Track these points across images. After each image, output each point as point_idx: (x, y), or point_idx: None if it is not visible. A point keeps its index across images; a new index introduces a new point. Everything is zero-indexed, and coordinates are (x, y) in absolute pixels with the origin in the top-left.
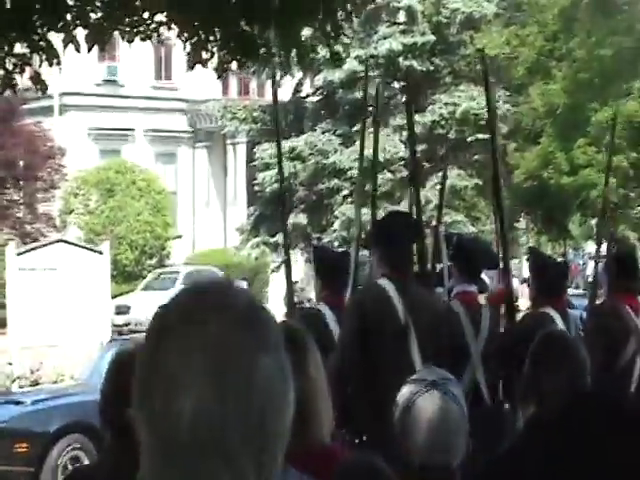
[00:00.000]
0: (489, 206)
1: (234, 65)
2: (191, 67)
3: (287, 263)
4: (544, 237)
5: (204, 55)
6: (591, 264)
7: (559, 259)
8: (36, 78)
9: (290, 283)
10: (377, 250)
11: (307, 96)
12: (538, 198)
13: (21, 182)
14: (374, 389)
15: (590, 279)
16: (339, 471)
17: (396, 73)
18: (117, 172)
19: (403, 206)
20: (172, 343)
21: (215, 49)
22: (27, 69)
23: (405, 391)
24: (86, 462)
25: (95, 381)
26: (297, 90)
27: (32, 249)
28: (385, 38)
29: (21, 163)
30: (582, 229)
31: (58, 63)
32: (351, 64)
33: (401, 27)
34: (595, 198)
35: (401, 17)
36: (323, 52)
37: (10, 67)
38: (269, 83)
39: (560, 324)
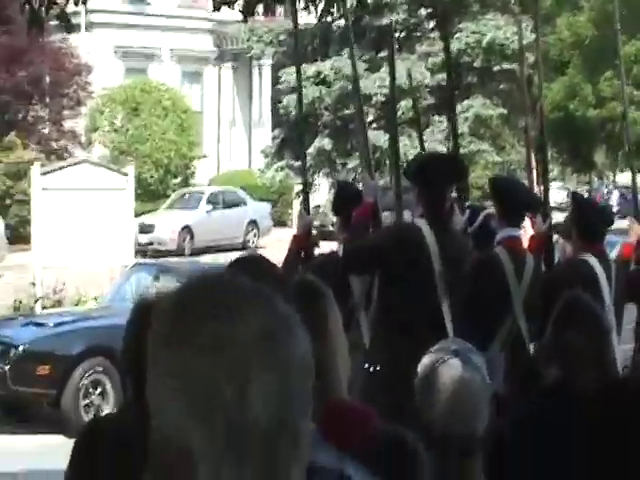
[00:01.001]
0: (514, 135)
1: (260, 7)
2: (218, 8)
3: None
4: (569, 167)
5: None
6: (616, 193)
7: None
8: (62, 16)
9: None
10: (416, 189)
11: (333, 20)
12: (564, 129)
13: (47, 99)
14: (395, 325)
15: (615, 208)
16: (373, 447)
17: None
18: (142, 91)
19: (428, 133)
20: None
21: None
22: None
23: (426, 360)
24: (108, 385)
25: (117, 305)
26: (323, 14)
27: (57, 169)
28: None
29: (47, 79)
30: (607, 159)
31: (84, 2)
32: None
33: None
34: (621, 130)
35: None
36: None
37: (36, 5)
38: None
39: (599, 271)
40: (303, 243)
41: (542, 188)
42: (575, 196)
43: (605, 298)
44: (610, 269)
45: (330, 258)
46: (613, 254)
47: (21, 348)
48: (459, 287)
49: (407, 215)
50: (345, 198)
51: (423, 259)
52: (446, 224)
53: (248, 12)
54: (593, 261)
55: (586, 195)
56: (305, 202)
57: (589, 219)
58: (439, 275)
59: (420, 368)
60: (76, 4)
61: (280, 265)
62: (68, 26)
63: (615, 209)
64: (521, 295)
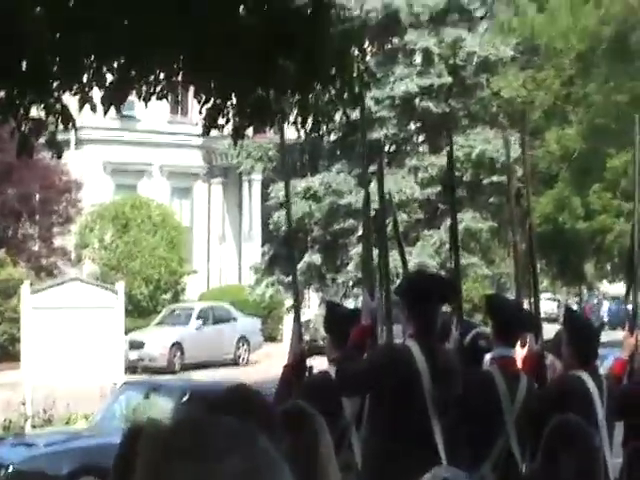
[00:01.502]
0: (504, 248)
1: (250, 132)
2: (207, 132)
3: (296, 313)
4: (559, 279)
5: (220, 120)
6: (605, 304)
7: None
8: (52, 141)
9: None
10: (406, 308)
11: (323, 135)
12: (553, 242)
13: (37, 216)
14: (384, 450)
15: (605, 319)
16: None
17: (412, 114)
18: (133, 207)
19: (418, 247)
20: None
21: (231, 114)
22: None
23: None
24: None
25: (107, 424)
26: (312, 130)
27: (47, 287)
28: (402, 79)
29: (37, 197)
30: (596, 270)
31: (73, 126)
32: (367, 104)
33: (418, 69)
34: (610, 243)
35: (418, 59)
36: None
37: (26, 131)
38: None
39: (592, 388)
40: (295, 372)
41: (532, 300)
42: (569, 315)
43: (598, 414)
44: (602, 384)
45: (322, 379)
46: (603, 367)
47: (11, 468)
48: (450, 407)
49: (397, 330)
50: (336, 319)
51: (413, 380)
52: (436, 343)
53: (238, 135)
54: (586, 377)
55: (576, 307)
56: (297, 322)
57: (584, 340)
58: (429, 396)
59: None
60: (66, 128)
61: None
62: (58, 151)
63: (605, 319)
64: (513, 415)
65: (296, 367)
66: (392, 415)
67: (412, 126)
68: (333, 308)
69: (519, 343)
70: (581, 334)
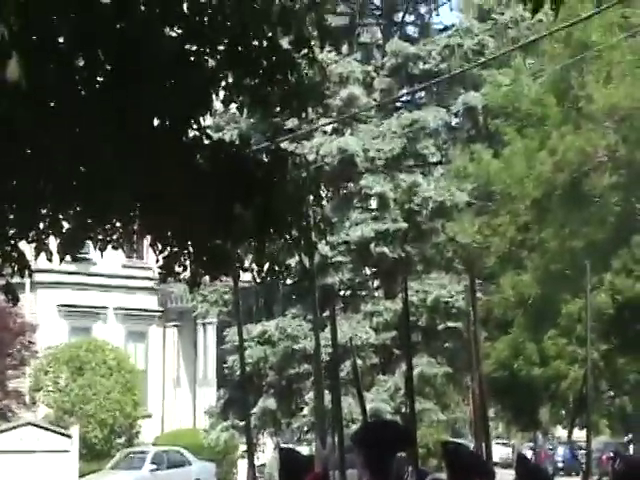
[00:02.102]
0: (459, 393)
1: (206, 278)
2: (163, 280)
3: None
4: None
5: (177, 268)
6: (560, 449)
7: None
8: (9, 289)
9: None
10: (361, 455)
11: (278, 281)
12: (508, 387)
13: None
14: None
15: (560, 464)
16: None
17: (368, 259)
18: (87, 350)
19: (373, 391)
20: None
21: (188, 262)
22: None
23: None
24: None
25: None
26: (267, 274)
27: (1, 431)
28: (357, 224)
29: None
30: (551, 416)
31: (30, 272)
32: (323, 249)
33: (373, 213)
34: (565, 389)
35: (373, 204)
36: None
37: None
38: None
39: None
40: None
41: (484, 445)
42: (520, 462)
43: None
44: None
45: None
46: None
47: None
48: None
49: (351, 475)
50: (290, 469)
51: None
52: None
53: (194, 282)
54: None
55: (530, 452)
56: (251, 469)
57: None
58: None
59: None
60: (22, 276)
61: None
62: (14, 297)
63: (560, 465)
64: None
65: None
66: None
67: (367, 271)
68: (287, 455)
69: None
70: None
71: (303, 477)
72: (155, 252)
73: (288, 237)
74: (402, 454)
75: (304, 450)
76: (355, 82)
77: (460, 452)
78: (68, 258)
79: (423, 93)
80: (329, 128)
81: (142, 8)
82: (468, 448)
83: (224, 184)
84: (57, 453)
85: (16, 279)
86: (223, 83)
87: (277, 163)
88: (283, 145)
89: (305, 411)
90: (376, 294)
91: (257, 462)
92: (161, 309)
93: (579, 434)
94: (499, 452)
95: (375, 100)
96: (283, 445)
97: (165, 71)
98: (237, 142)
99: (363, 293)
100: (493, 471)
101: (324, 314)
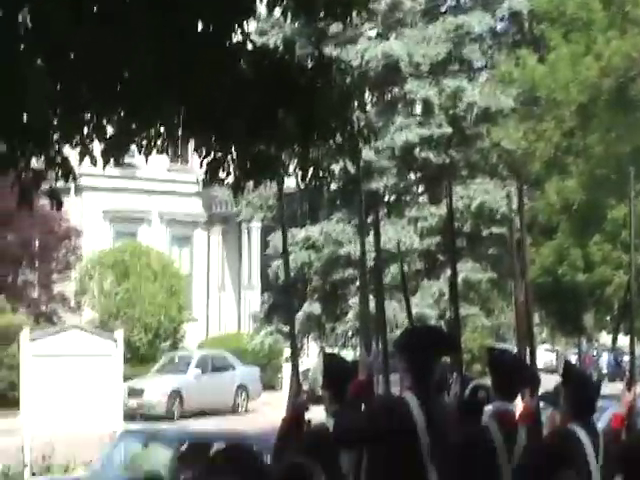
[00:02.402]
0: (503, 299)
1: (250, 183)
2: (207, 185)
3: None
4: (558, 331)
5: (221, 173)
6: (605, 355)
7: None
8: (53, 194)
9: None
10: (404, 360)
11: (322, 187)
12: (553, 293)
13: (36, 262)
14: None
15: (604, 371)
16: None
17: (412, 164)
18: (132, 254)
19: (417, 297)
20: None
21: (232, 168)
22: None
23: None
24: None
25: (106, 473)
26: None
27: (46, 335)
28: (402, 129)
29: (37, 243)
30: (595, 320)
31: (74, 177)
32: (367, 154)
33: (418, 119)
34: (610, 295)
35: (417, 109)
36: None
37: (27, 182)
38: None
39: (587, 444)
40: (294, 426)
41: (528, 351)
42: (567, 369)
43: (592, 471)
44: (598, 439)
45: (320, 433)
46: (602, 420)
47: None
48: (446, 461)
49: (394, 378)
50: (333, 375)
51: (410, 434)
52: (434, 396)
53: (238, 188)
54: (581, 433)
55: (575, 358)
56: (295, 375)
57: (581, 395)
58: (425, 448)
59: None
60: (66, 181)
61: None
62: (59, 202)
63: (604, 371)
64: (510, 469)
65: (294, 421)
66: (388, 467)
67: (412, 176)
68: (331, 361)
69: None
70: (578, 389)
71: (347, 383)
72: (199, 157)
73: (332, 142)
74: (446, 359)
75: (348, 355)
76: None
77: (504, 358)
78: (112, 163)
79: None
80: (373, 33)
81: None
82: (512, 354)
83: (268, 90)
84: (102, 357)
85: (60, 184)
86: None
87: (321, 69)
88: (327, 50)
89: (349, 316)
90: (420, 199)
91: (301, 367)
92: (206, 213)
93: (623, 340)
94: (543, 358)
95: (420, 5)
96: (327, 350)
97: None
98: (281, 48)
99: (407, 198)
100: (537, 376)
101: (368, 219)
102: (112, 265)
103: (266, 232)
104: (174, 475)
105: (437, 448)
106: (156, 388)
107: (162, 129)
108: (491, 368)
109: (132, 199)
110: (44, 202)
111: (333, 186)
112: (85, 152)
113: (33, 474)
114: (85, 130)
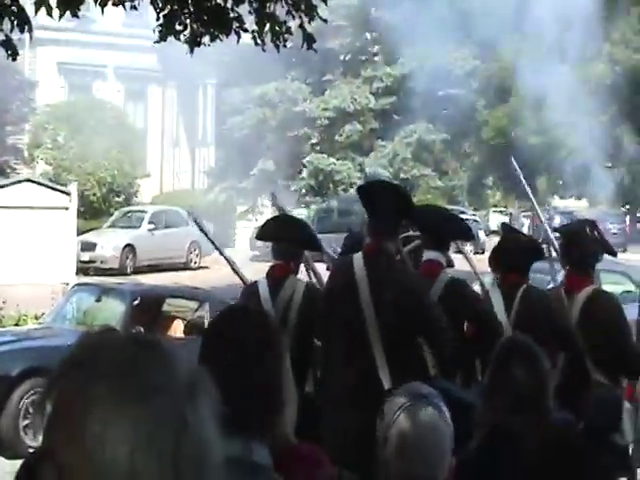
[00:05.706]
0: (456, 161)
1: (206, 38)
2: (163, 39)
3: None
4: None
5: (177, 26)
6: (557, 218)
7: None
8: (7, 43)
9: None
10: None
11: (279, 41)
12: (506, 156)
13: None
14: (325, 375)
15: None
16: None
17: (368, 24)
18: (86, 108)
19: (372, 157)
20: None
21: (188, 21)
22: None
23: (390, 404)
24: (48, 407)
25: (58, 326)
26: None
27: None
28: None
29: None
30: (548, 184)
31: (29, 28)
32: (323, 13)
33: None
34: (563, 158)
35: None
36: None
37: None
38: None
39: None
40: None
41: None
42: (503, 229)
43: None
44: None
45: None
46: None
47: None
48: (388, 314)
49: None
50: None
51: (349, 288)
52: (384, 252)
53: (194, 43)
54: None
55: (527, 222)
56: None
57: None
58: (365, 304)
59: (385, 411)
60: (22, 31)
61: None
62: (14, 52)
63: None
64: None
65: None
66: (327, 324)
67: (368, 36)
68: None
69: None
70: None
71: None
72: (156, 10)
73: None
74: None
75: (302, 213)
76: None
77: (426, 211)
78: (68, 15)
79: None
80: None
81: None
82: (437, 207)
83: None
84: (56, 210)
85: (16, 35)
86: None
87: None
88: None
89: (304, 173)
90: (376, 59)
91: (255, 224)
92: (161, 69)
93: (576, 204)
94: (496, 220)
95: None
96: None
97: None
98: None
99: (363, 58)
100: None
101: (324, 78)
102: (66, 119)
103: (221, 89)
104: (127, 329)
105: (380, 302)
106: (109, 242)
107: None
108: (417, 220)
109: (88, 53)
110: None
111: (289, 44)
112: (41, 2)
113: None
114: None
